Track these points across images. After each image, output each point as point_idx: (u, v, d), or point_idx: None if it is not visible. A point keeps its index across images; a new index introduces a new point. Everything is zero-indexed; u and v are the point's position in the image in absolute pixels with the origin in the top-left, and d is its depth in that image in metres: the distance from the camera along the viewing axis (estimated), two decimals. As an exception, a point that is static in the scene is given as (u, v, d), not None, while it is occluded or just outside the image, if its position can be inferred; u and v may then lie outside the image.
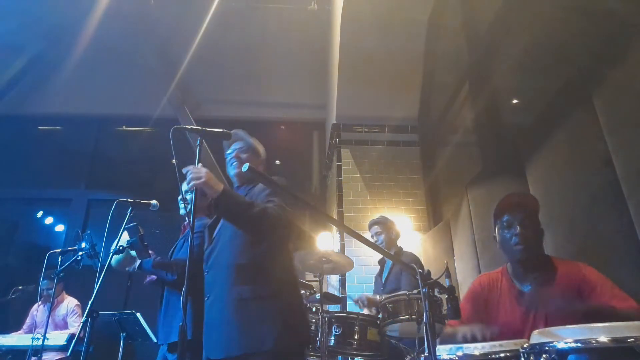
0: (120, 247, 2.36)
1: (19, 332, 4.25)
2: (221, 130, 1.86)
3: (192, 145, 5.79)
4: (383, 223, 3.53)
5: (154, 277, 2.62)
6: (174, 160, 1.79)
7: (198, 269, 1.92)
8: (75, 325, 4.18)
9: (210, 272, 1.87)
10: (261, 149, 2.15)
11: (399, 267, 3.23)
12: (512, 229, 1.78)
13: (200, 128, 1.83)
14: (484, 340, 1.60)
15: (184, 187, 2.79)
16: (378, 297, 3.04)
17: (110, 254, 2.33)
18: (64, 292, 4.34)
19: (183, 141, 6.01)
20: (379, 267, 3.65)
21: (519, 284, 1.80)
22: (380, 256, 3.62)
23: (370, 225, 3.60)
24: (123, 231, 2.40)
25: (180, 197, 2.80)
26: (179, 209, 2.84)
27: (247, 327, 1.65)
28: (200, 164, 1.76)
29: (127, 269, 2.57)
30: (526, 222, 1.77)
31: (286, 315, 1.70)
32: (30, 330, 4.20)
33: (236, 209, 1.70)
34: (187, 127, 1.86)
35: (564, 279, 1.69)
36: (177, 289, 2.43)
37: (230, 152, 2.06)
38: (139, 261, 2.51)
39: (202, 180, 1.66)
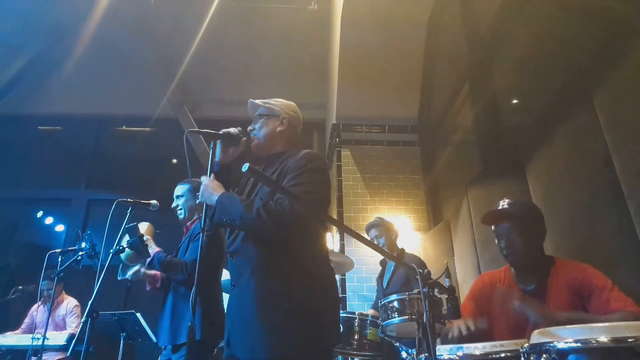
0: (120, 247, 2.37)
1: (16, 331, 4.24)
2: (234, 133, 1.79)
3: (193, 145, 5.80)
4: (381, 225, 3.44)
5: (157, 284, 2.63)
6: (174, 160, 1.79)
7: (207, 270, 1.87)
8: (73, 325, 4.17)
9: (235, 258, 1.69)
10: (282, 106, 1.87)
11: (405, 271, 3.20)
12: (500, 240, 1.83)
13: (213, 132, 1.77)
14: (474, 331, 1.61)
15: (177, 191, 2.78)
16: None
17: (110, 254, 2.33)
18: (63, 292, 4.34)
19: (182, 140, 5.99)
20: (379, 267, 3.64)
21: (521, 283, 1.80)
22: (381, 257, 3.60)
23: (368, 229, 3.49)
24: (123, 231, 2.40)
25: (173, 204, 2.79)
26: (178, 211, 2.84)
27: (273, 327, 1.48)
28: (212, 176, 1.70)
29: (136, 264, 2.58)
30: (512, 232, 1.80)
31: (316, 314, 1.52)
32: (29, 331, 4.20)
33: (228, 220, 1.56)
34: (201, 130, 1.78)
35: (566, 279, 1.69)
36: (188, 289, 2.42)
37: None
38: (149, 257, 2.52)
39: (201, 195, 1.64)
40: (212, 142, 1.78)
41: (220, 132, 1.77)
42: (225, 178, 1.77)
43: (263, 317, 1.51)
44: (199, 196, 1.66)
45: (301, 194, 1.53)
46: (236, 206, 1.55)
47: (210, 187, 1.64)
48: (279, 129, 1.83)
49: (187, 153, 1.69)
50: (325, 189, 1.65)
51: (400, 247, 3.50)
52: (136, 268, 2.56)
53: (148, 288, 2.66)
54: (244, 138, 1.81)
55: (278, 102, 1.90)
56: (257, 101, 1.88)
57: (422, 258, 3.67)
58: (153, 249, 2.56)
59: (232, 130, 1.79)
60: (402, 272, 3.23)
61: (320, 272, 1.62)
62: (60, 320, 4.23)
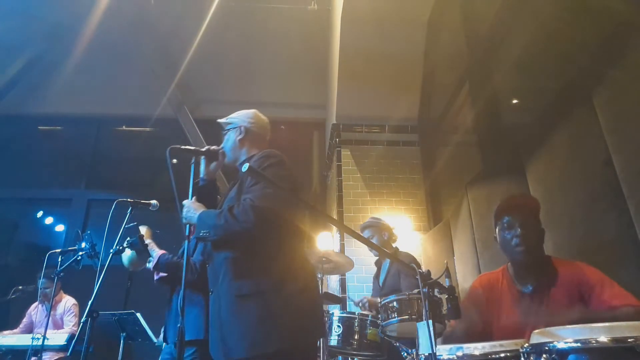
0: (120, 248, 2.37)
1: (14, 330, 4.23)
2: (215, 149, 1.93)
3: (192, 143, 5.79)
4: (374, 226, 3.43)
5: (163, 273, 2.61)
6: (174, 160, 1.84)
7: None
8: (70, 324, 4.17)
9: (210, 264, 1.76)
10: (239, 116, 1.99)
11: (397, 268, 3.22)
12: (512, 230, 1.77)
13: (193, 148, 1.90)
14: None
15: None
16: (379, 299, 3.03)
17: (110, 254, 2.33)
18: (61, 291, 4.34)
19: (182, 140, 6.01)
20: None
21: (520, 284, 1.80)
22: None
23: (362, 230, 3.49)
24: (123, 232, 2.40)
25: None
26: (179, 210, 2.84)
27: (248, 327, 1.52)
28: (194, 198, 1.82)
29: (140, 268, 2.58)
30: (527, 223, 1.76)
31: (292, 310, 1.55)
32: (27, 330, 4.21)
33: (204, 234, 1.65)
34: (181, 147, 1.91)
35: (564, 279, 1.69)
36: (196, 289, 2.42)
37: None
38: (154, 259, 2.51)
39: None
40: (193, 159, 1.90)
41: (203, 149, 1.91)
42: (212, 192, 1.91)
43: (236, 318, 1.55)
44: (183, 217, 1.77)
45: (261, 191, 1.61)
46: (211, 219, 1.66)
47: (192, 208, 1.75)
48: (238, 138, 1.93)
49: (170, 169, 1.79)
50: (284, 181, 1.69)
51: (394, 247, 3.49)
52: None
53: (157, 277, 2.64)
54: (222, 151, 1.94)
55: (236, 114, 2.01)
56: (221, 120, 2.01)
57: (422, 258, 3.67)
58: (157, 252, 2.55)
59: (213, 147, 1.93)
60: (395, 271, 3.23)
61: (294, 269, 1.66)
62: (58, 319, 4.23)
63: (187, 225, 1.76)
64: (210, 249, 1.76)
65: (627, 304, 1.51)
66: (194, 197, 1.82)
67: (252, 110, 2.03)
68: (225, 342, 1.57)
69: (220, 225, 1.61)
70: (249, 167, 1.34)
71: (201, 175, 1.93)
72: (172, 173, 1.80)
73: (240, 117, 1.98)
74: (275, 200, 1.60)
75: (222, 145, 1.96)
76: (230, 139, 1.94)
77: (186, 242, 1.74)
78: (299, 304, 1.59)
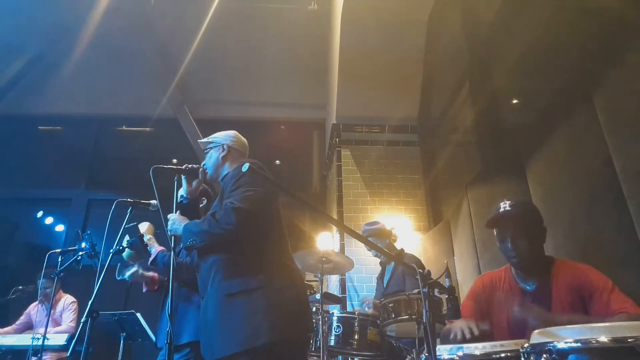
0: (120, 248, 2.37)
1: (7, 328, 4.22)
2: (196, 167, 2.04)
3: (193, 146, 5.79)
4: (376, 233, 3.35)
5: (155, 287, 2.63)
6: (174, 160, 1.87)
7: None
8: (68, 320, 4.17)
9: (198, 273, 1.84)
10: (220, 135, 2.10)
11: (402, 270, 3.21)
12: (505, 243, 1.80)
13: (175, 167, 2.02)
14: (478, 335, 1.61)
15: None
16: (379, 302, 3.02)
17: (110, 254, 2.33)
18: (61, 290, 4.34)
19: (182, 140, 6.01)
20: (379, 268, 3.64)
21: (522, 283, 1.80)
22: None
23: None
24: (123, 231, 2.40)
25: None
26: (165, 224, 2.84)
27: (237, 323, 1.59)
28: (178, 212, 1.92)
29: (137, 263, 2.59)
30: (518, 234, 1.77)
31: (280, 305, 1.63)
32: (24, 329, 4.21)
33: (191, 242, 1.73)
34: (163, 166, 2.04)
35: (566, 279, 1.69)
36: (194, 289, 2.42)
37: None
38: (152, 255, 2.51)
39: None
40: (175, 177, 2.02)
41: (183, 168, 2.02)
42: (195, 207, 2.02)
43: (226, 317, 1.63)
44: (168, 230, 1.85)
45: (242, 194, 1.69)
46: (195, 227, 1.76)
47: (177, 220, 1.85)
48: (221, 155, 2.04)
49: (154, 186, 1.93)
50: (262, 185, 1.77)
51: (399, 247, 3.48)
52: (134, 269, 2.57)
53: (145, 289, 2.66)
54: (203, 169, 2.04)
55: (218, 134, 2.13)
56: (202, 140, 2.13)
57: (422, 258, 3.65)
58: (155, 248, 2.55)
59: (194, 166, 2.05)
60: (400, 272, 3.23)
61: (279, 266, 1.74)
62: (58, 316, 4.23)
63: (172, 237, 1.83)
64: (197, 259, 1.84)
65: (623, 310, 1.51)
66: (177, 212, 1.91)
67: (233, 131, 2.15)
68: (215, 340, 1.63)
69: (204, 231, 1.69)
70: (249, 167, 1.36)
71: (183, 193, 2.04)
72: (170, 185, 1.91)
73: (222, 136, 2.10)
74: (255, 201, 1.67)
75: (203, 163, 2.06)
76: (213, 156, 2.04)
77: (172, 252, 1.80)
78: (285, 299, 1.66)
